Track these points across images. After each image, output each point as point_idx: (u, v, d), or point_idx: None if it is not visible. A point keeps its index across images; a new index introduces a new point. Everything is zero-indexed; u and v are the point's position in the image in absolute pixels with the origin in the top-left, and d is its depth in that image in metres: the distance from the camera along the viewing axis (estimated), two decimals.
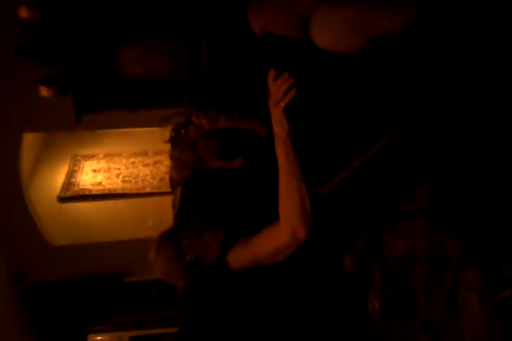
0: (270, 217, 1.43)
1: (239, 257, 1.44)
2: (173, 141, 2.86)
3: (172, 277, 1.55)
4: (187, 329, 1.44)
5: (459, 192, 1.24)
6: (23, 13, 3.44)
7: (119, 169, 5.67)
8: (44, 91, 3.64)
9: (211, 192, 2.17)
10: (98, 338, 5.68)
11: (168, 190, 3.17)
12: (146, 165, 5.73)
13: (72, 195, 5.28)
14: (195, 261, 1.51)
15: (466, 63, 1.35)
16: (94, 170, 5.65)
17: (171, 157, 2.71)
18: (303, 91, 1.47)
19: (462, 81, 1.36)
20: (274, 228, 1.39)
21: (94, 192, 5.36)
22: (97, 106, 3.69)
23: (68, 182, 5.43)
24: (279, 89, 1.31)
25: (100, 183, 5.48)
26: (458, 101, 1.35)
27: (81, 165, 5.69)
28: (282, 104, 1.32)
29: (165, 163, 5.50)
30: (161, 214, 1.79)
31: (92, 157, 5.83)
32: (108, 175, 5.59)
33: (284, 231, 1.35)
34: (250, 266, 1.43)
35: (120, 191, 5.38)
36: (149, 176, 5.57)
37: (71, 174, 5.55)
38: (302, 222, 1.34)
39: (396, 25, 1.27)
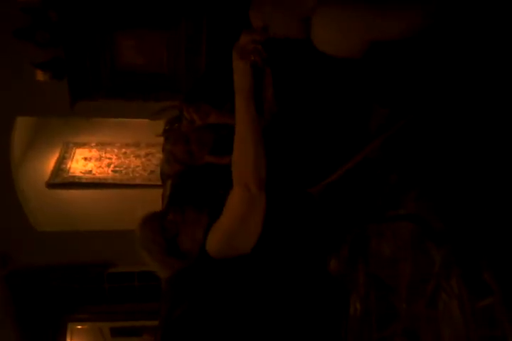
0: None
1: (213, 236, 1.44)
2: (166, 134, 2.86)
3: (152, 251, 1.56)
4: (167, 322, 1.44)
5: (447, 198, 1.25)
6: None
7: (110, 159, 5.65)
8: (40, 76, 3.62)
9: (200, 186, 2.17)
10: (78, 327, 5.67)
11: (158, 182, 3.16)
12: (137, 157, 5.71)
13: (61, 182, 5.25)
14: (175, 241, 1.52)
15: (465, 70, 1.36)
16: (85, 158, 5.62)
17: (163, 150, 2.71)
18: (300, 90, 1.47)
19: (460, 87, 1.37)
20: (231, 191, 1.39)
21: (83, 180, 5.33)
22: (92, 93, 3.68)
23: (58, 169, 5.39)
24: (251, 40, 1.30)
25: (90, 172, 5.45)
26: (454, 108, 1.36)
27: (72, 153, 5.66)
28: (251, 57, 1.30)
29: (156, 156, 5.49)
30: (149, 206, 1.79)
31: (84, 145, 5.79)
32: (99, 163, 5.57)
33: (236, 189, 1.36)
34: (226, 245, 1.41)
35: (110, 181, 5.36)
36: (140, 168, 5.56)
37: (62, 160, 5.52)
38: (254, 177, 1.34)
39: (397, 31, 1.28)
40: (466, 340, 1.03)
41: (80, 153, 5.67)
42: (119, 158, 5.67)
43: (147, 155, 5.71)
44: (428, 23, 1.24)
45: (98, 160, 5.61)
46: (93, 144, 5.83)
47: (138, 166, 5.57)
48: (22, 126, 4.62)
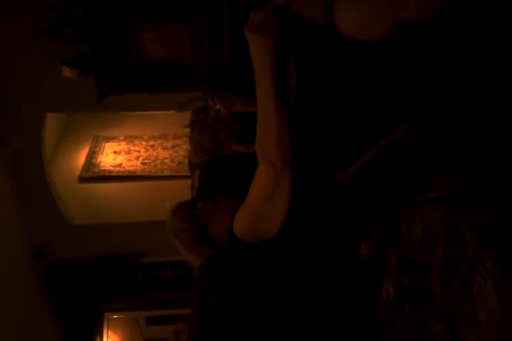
0: None
1: (239, 217, 1.44)
2: (193, 125, 2.88)
3: (184, 239, 1.58)
4: (201, 310, 1.47)
5: (478, 180, 1.23)
6: None
7: (138, 151, 5.73)
8: (67, 72, 3.67)
9: (229, 176, 2.18)
10: (114, 316, 5.81)
11: (187, 173, 3.20)
12: (165, 149, 5.78)
13: (92, 176, 5.36)
14: (206, 228, 1.54)
15: (493, 53, 1.32)
16: (115, 152, 5.71)
17: (190, 141, 2.73)
18: (325, 76, 1.46)
19: (487, 71, 1.33)
20: (256, 170, 1.38)
21: (114, 174, 5.43)
22: (118, 87, 3.72)
23: (89, 163, 5.51)
24: (260, 15, 1.28)
25: (120, 165, 5.55)
26: (481, 91, 1.33)
27: (102, 147, 5.77)
28: (264, 30, 1.28)
29: (184, 147, 5.54)
30: (178, 197, 1.81)
31: (112, 138, 5.89)
32: (128, 156, 5.65)
33: (261, 166, 1.35)
34: (253, 226, 1.41)
35: (139, 173, 5.44)
36: (168, 159, 5.62)
37: (92, 155, 5.63)
38: (278, 153, 1.32)
39: (423, 13, 1.25)
40: (502, 322, 1.02)
41: (109, 147, 5.77)
42: (147, 150, 5.75)
43: (174, 146, 5.77)
44: (450, 2, 1.21)
45: (127, 153, 5.69)
46: (121, 138, 5.92)
47: (166, 158, 5.64)
48: (52, 122, 4.72)
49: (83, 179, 5.33)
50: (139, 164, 5.57)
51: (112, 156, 5.65)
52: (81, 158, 5.58)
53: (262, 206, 1.39)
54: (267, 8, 1.30)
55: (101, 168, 5.48)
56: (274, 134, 1.32)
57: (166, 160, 5.61)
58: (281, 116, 1.33)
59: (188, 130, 2.98)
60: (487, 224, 1.12)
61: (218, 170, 2.38)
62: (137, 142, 5.87)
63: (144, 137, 5.93)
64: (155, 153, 5.70)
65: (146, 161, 5.60)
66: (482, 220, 1.13)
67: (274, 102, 1.32)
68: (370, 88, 1.43)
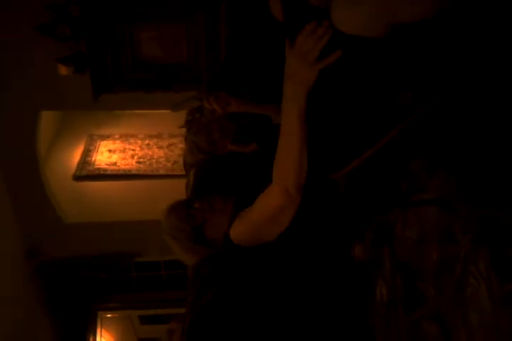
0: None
1: (239, 226, 1.44)
2: (188, 125, 2.88)
3: (179, 239, 1.58)
4: (195, 309, 1.47)
5: (473, 182, 1.23)
6: None
7: (134, 150, 5.72)
8: (63, 70, 3.66)
9: (224, 175, 2.18)
10: (108, 315, 5.79)
11: (182, 172, 3.19)
12: (160, 148, 5.77)
13: (87, 174, 5.34)
14: (202, 228, 1.54)
15: (489, 52, 1.33)
16: (110, 150, 5.70)
17: (186, 140, 2.73)
18: (322, 78, 1.46)
19: (483, 72, 1.34)
20: (269, 189, 1.36)
21: (108, 172, 5.42)
22: (114, 86, 3.71)
23: (84, 161, 5.49)
24: (317, 44, 1.14)
25: (115, 163, 5.53)
26: (477, 91, 1.33)
27: (97, 145, 5.75)
28: (321, 65, 1.16)
29: (179, 146, 5.53)
30: (173, 196, 1.81)
31: (107, 137, 5.88)
32: (123, 155, 5.64)
33: (276, 189, 1.33)
34: (251, 236, 1.41)
35: (134, 172, 5.43)
36: (163, 158, 5.61)
37: (87, 153, 5.61)
38: (296, 179, 1.31)
39: (418, 14, 1.25)
40: (495, 324, 1.02)
41: (104, 146, 5.76)
42: (142, 149, 5.74)
43: (170, 145, 5.76)
44: (447, 3, 1.22)
45: (122, 152, 5.68)
46: (117, 136, 5.90)
47: (161, 157, 5.63)
48: (47, 120, 4.69)
49: (78, 177, 5.31)
50: (134, 163, 5.56)
51: (107, 155, 5.64)
52: (76, 156, 5.56)
53: (265, 224, 1.40)
54: (326, 36, 1.15)
55: (96, 167, 5.46)
56: (295, 163, 1.30)
57: (161, 159, 5.60)
58: (305, 146, 1.30)
59: (183, 129, 2.98)
60: (481, 226, 1.12)
61: (213, 169, 2.38)
62: (132, 141, 5.86)
63: (140, 136, 5.92)
64: (150, 152, 5.69)
65: (141, 160, 5.59)
66: (476, 222, 1.13)
67: (301, 133, 1.27)
68: (365, 89, 1.43)
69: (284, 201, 1.34)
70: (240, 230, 1.44)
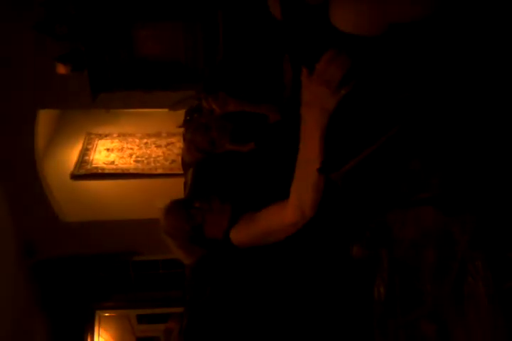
0: (279, 199, 1.43)
1: (241, 231, 1.44)
2: (186, 124, 2.88)
3: (177, 239, 1.58)
4: (192, 308, 1.47)
5: (470, 181, 1.23)
6: None
7: (132, 149, 5.71)
8: (61, 69, 3.65)
9: (223, 174, 2.18)
10: (106, 314, 5.79)
11: (180, 171, 3.20)
12: (158, 147, 5.76)
13: (85, 173, 5.34)
14: (201, 229, 1.54)
15: (486, 52, 1.33)
16: (108, 149, 5.69)
17: (184, 139, 2.73)
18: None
19: (480, 71, 1.34)
20: (282, 205, 1.37)
21: (106, 171, 5.41)
22: (112, 85, 3.70)
23: (82, 160, 5.48)
24: (339, 71, 1.16)
25: (113, 162, 5.53)
26: (474, 92, 1.33)
27: (95, 144, 5.74)
28: (344, 92, 1.17)
29: (177, 145, 5.53)
30: (171, 195, 1.81)
31: (105, 136, 5.87)
32: (121, 154, 5.63)
33: (292, 209, 1.34)
34: (253, 241, 1.42)
35: (132, 171, 5.42)
36: (161, 157, 5.61)
37: (85, 152, 5.61)
38: (313, 203, 1.32)
39: (416, 13, 1.25)
40: (493, 322, 1.03)
41: (102, 144, 5.75)
42: (140, 148, 5.73)
43: (168, 144, 5.75)
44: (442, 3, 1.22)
45: (120, 151, 5.67)
46: (115, 135, 5.90)
47: (159, 156, 5.62)
48: (44, 119, 4.69)
49: (75, 176, 5.31)
50: (131, 162, 5.55)
51: (105, 154, 5.63)
52: (74, 155, 5.55)
53: (272, 234, 1.41)
54: (345, 64, 1.17)
55: (93, 166, 5.45)
56: (314, 187, 1.31)
57: (159, 158, 5.59)
58: None
59: (182, 128, 2.98)
60: (478, 226, 1.13)
61: (212, 168, 2.38)
62: (130, 140, 5.85)
63: (138, 135, 5.91)
64: (148, 151, 5.69)
65: (139, 159, 5.59)
66: (473, 221, 1.14)
67: (320, 157, 1.28)
68: (363, 88, 1.43)
69: (297, 220, 1.35)
70: (243, 235, 1.45)
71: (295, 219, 1.35)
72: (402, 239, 1.32)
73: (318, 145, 1.26)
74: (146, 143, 5.80)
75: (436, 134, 1.40)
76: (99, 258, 4.97)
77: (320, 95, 1.19)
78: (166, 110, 3.77)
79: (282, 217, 1.37)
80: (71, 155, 5.53)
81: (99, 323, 5.65)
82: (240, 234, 1.45)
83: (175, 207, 1.64)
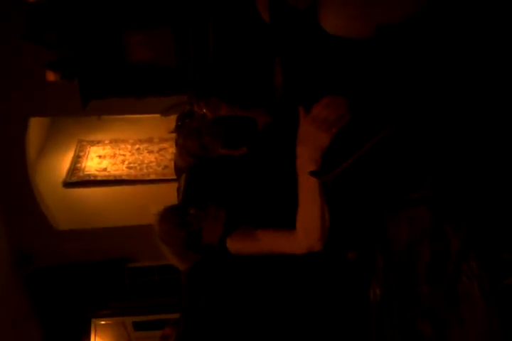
0: (273, 204, 1.43)
1: (240, 245, 1.45)
2: (178, 130, 2.87)
3: (172, 245, 1.57)
4: (188, 315, 1.46)
5: (461, 180, 1.24)
6: None
7: (124, 155, 5.69)
8: (51, 76, 3.64)
9: (215, 178, 2.18)
10: (102, 322, 5.75)
11: (173, 177, 3.19)
12: (151, 152, 5.75)
13: (77, 181, 5.31)
14: (196, 235, 1.53)
15: (473, 53, 1.34)
16: (100, 156, 5.67)
17: (176, 144, 2.73)
18: (311, 79, 1.47)
19: (469, 71, 1.35)
20: (290, 236, 1.37)
21: (99, 178, 5.39)
22: (103, 92, 3.69)
23: (74, 168, 5.45)
24: (333, 113, 1.22)
25: (105, 169, 5.50)
26: (464, 92, 1.34)
27: (86, 151, 5.72)
28: (334, 130, 1.23)
29: (170, 151, 5.51)
30: (164, 201, 1.81)
31: (97, 143, 5.84)
32: (113, 161, 5.61)
33: (301, 244, 1.35)
34: (250, 254, 1.43)
35: (125, 177, 5.40)
36: (154, 163, 5.59)
37: (77, 159, 5.58)
38: (322, 238, 1.32)
39: (403, 13, 1.26)
40: (488, 322, 1.03)
41: (94, 151, 5.73)
42: (132, 154, 5.71)
43: (160, 150, 5.74)
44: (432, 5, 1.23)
45: (112, 158, 5.65)
46: (107, 142, 5.87)
47: (152, 162, 5.61)
48: (36, 126, 4.67)
49: (68, 184, 5.28)
50: (124, 168, 5.53)
51: (97, 160, 5.61)
52: (65, 162, 5.52)
53: (274, 254, 1.41)
54: (342, 107, 1.22)
55: (86, 173, 5.43)
56: (319, 221, 1.32)
57: (151, 164, 5.58)
58: (324, 200, 1.32)
59: (174, 134, 2.97)
60: (471, 225, 1.13)
61: (205, 173, 2.38)
62: (122, 146, 5.83)
63: (130, 141, 5.89)
64: (141, 157, 5.67)
65: (131, 165, 5.57)
66: (466, 221, 1.14)
67: (320, 193, 1.31)
68: (353, 90, 1.43)
69: (306, 252, 1.35)
70: (241, 247, 1.45)
71: (303, 251, 1.35)
72: (396, 239, 1.33)
73: (316, 182, 1.29)
74: (138, 149, 5.79)
75: (427, 134, 1.41)
76: (93, 266, 4.94)
77: (313, 134, 1.25)
78: (158, 116, 3.77)
79: (289, 247, 1.38)
80: (63, 163, 5.51)
81: (95, 331, 5.61)
82: (238, 247, 1.45)
83: (169, 214, 1.63)
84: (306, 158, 1.29)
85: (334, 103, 1.22)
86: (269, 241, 1.42)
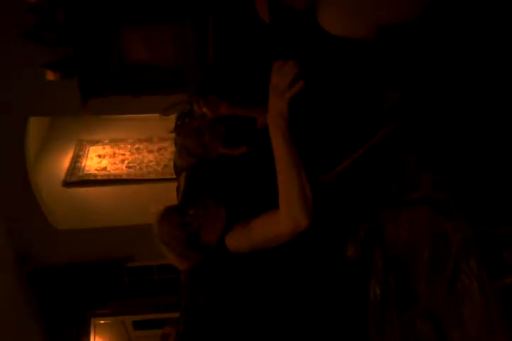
0: (272, 204, 1.43)
1: (237, 240, 1.44)
2: (178, 129, 2.87)
3: (172, 246, 1.57)
4: (188, 314, 1.46)
5: (463, 179, 1.24)
6: None
7: (123, 155, 5.69)
8: (50, 75, 3.64)
9: (215, 178, 2.18)
10: (101, 322, 5.75)
11: (172, 176, 3.18)
12: (150, 152, 5.74)
13: (77, 180, 5.31)
14: (196, 235, 1.53)
15: (473, 53, 1.34)
16: (99, 156, 5.67)
17: (176, 144, 2.72)
18: (310, 78, 1.47)
19: (469, 70, 1.35)
20: (275, 216, 1.37)
21: (98, 178, 5.39)
22: (102, 91, 3.69)
23: (73, 167, 5.45)
24: (284, 79, 1.28)
25: (105, 168, 5.50)
26: (464, 90, 1.35)
27: (86, 150, 5.72)
28: (287, 95, 1.28)
29: (169, 150, 5.52)
30: (164, 200, 1.81)
31: (97, 142, 5.84)
32: (113, 160, 5.61)
33: (285, 221, 1.35)
34: (248, 249, 1.43)
35: (125, 177, 5.40)
36: (153, 162, 5.59)
37: (76, 159, 5.58)
38: (304, 211, 1.32)
39: (404, 14, 1.26)
40: (487, 320, 1.03)
41: (93, 151, 5.72)
42: (132, 153, 5.71)
43: (160, 149, 5.74)
44: (433, 5, 1.23)
45: (112, 157, 5.65)
46: (106, 141, 5.87)
47: (151, 161, 5.61)
48: (35, 126, 4.66)
49: (67, 183, 5.28)
50: (124, 167, 5.53)
51: (97, 160, 5.61)
52: (65, 162, 5.52)
53: (268, 243, 1.41)
54: (291, 71, 1.27)
55: (85, 172, 5.42)
56: (299, 191, 1.33)
57: (151, 164, 5.58)
58: (302, 170, 1.34)
59: (173, 133, 2.97)
60: (471, 224, 1.13)
61: (205, 172, 2.38)
62: (122, 145, 5.83)
63: (129, 140, 5.89)
64: (140, 157, 5.67)
65: (131, 165, 5.57)
66: (465, 219, 1.14)
67: (293, 159, 1.33)
68: (354, 90, 1.44)
69: (294, 229, 1.35)
70: (238, 243, 1.45)
71: (290, 229, 1.35)
72: (396, 238, 1.33)
73: (284, 147, 1.32)
74: (137, 149, 5.78)
75: (427, 133, 1.41)
76: (93, 265, 4.94)
77: (271, 101, 1.33)
78: (157, 115, 3.77)
79: (277, 227, 1.37)
80: (62, 163, 5.50)
81: (95, 331, 5.61)
82: (236, 242, 1.45)
83: (169, 214, 1.62)
84: (272, 127, 1.34)
85: (284, 69, 1.28)
86: (260, 226, 1.42)
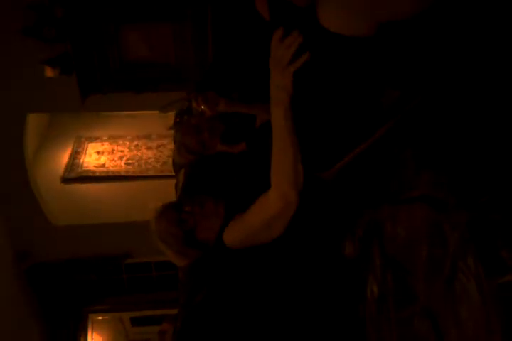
0: None
1: (234, 231, 1.44)
2: (177, 126, 2.87)
3: (169, 243, 1.57)
4: (186, 310, 1.46)
5: (462, 178, 1.25)
6: None
7: (122, 151, 5.69)
8: (49, 72, 3.63)
9: (214, 175, 2.18)
10: (99, 318, 5.76)
11: (171, 173, 3.19)
12: (149, 148, 5.74)
13: (75, 176, 5.31)
14: (193, 232, 1.53)
15: (473, 51, 1.34)
16: (98, 152, 5.66)
17: (175, 141, 2.72)
18: (311, 75, 1.47)
19: (469, 68, 1.35)
20: (266, 195, 1.37)
21: (97, 174, 5.38)
22: (101, 87, 3.68)
23: (72, 164, 5.45)
24: (287, 51, 1.22)
25: (103, 165, 5.50)
26: (464, 88, 1.35)
27: (85, 147, 5.71)
28: (292, 69, 1.23)
29: (168, 147, 5.51)
30: (162, 197, 1.81)
31: (96, 139, 5.84)
32: (111, 157, 5.61)
33: (274, 193, 1.34)
34: (246, 240, 1.42)
35: (123, 173, 5.40)
36: (152, 159, 5.59)
37: (75, 155, 5.57)
38: (293, 185, 1.31)
39: (404, 11, 1.26)
40: (485, 318, 1.04)
41: (92, 147, 5.72)
42: (131, 150, 5.71)
43: (159, 146, 5.74)
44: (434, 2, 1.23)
45: (110, 154, 5.65)
46: (105, 138, 5.87)
47: (150, 158, 5.61)
48: (34, 122, 4.66)
49: (66, 179, 5.28)
50: (122, 164, 5.53)
51: (96, 156, 5.60)
52: (64, 158, 5.52)
53: (262, 229, 1.40)
54: (294, 42, 1.22)
55: (84, 169, 5.42)
56: (291, 167, 1.32)
57: (150, 160, 5.58)
58: (298, 148, 1.33)
59: (172, 130, 2.97)
60: (468, 222, 1.14)
61: (203, 169, 2.38)
62: (121, 142, 5.82)
63: (128, 137, 5.89)
64: (139, 153, 5.66)
65: (130, 161, 5.56)
66: (463, 218, 1.15)
67: (291, 136, 1.31)
68: (354, 87, 1.44)
69: (284, 206, 1.34)
70: (235, 235, 1.44)
71: (280, 206, 1.34)
72: (394, 236, 1.33)
73: (284, 123, 1.30)
74: (136, 145, 5.78)
75: (426, 131, 1.41)
76: (91, 262, 4.94)
77: (274, 73, 1.27)
78: (156, 112, 3.76)
79: (268, 206, 1.37)
80: (61, 159, 5.50)
81: (92, 327, 5.62)
82: (232, 235, 1.44)
83: (166, 211, 1.62)
84: (273, 100, 1.30)
85: (287, 39, 1.22)
86: (253, 209, 1.41)
